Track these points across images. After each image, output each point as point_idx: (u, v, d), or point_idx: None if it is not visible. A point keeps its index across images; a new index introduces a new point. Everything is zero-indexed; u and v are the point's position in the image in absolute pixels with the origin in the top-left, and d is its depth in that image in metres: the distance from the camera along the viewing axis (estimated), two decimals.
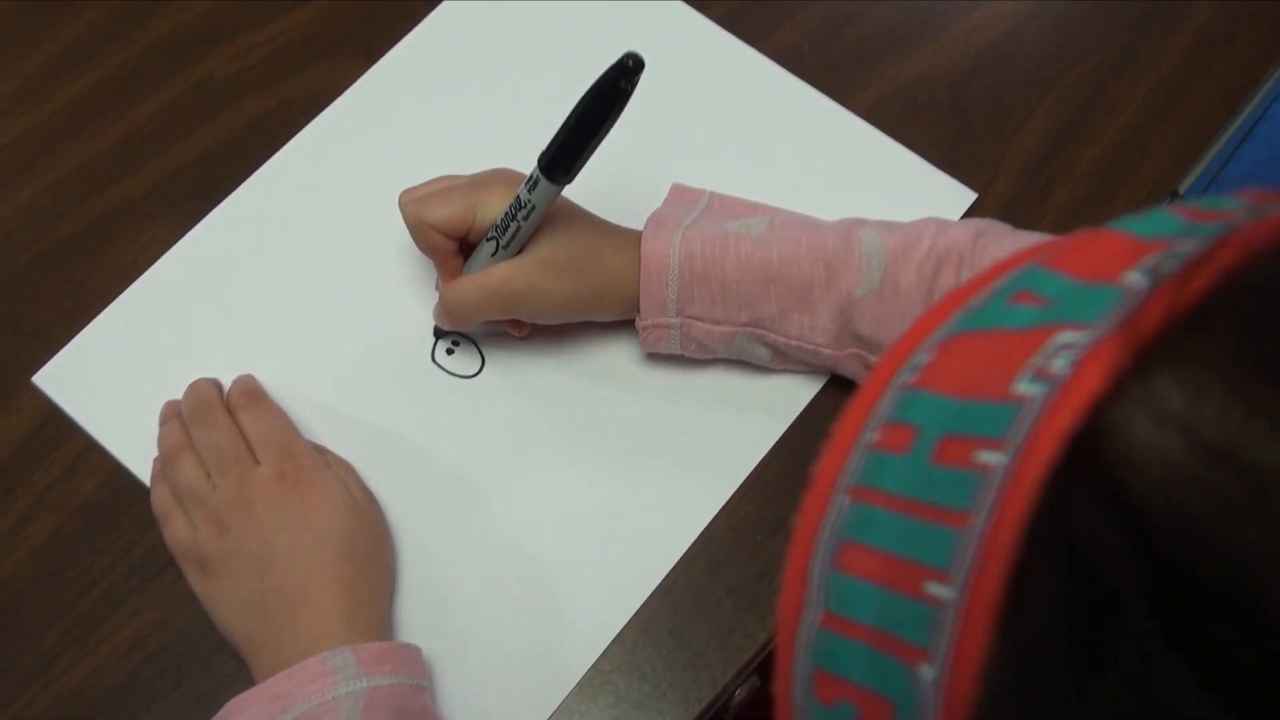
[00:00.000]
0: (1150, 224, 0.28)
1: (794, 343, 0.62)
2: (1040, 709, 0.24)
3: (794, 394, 0.67)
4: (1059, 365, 0.25)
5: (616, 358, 0.68)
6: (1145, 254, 0.27)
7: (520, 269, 0.61)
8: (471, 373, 0.67)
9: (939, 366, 0.29)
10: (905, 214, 0.64)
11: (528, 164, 0.64)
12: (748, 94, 0.76)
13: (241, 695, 0.55)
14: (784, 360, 0.65)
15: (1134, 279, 0.26)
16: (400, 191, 0.63)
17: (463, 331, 0.68)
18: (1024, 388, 0.26)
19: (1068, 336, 0.26)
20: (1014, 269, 0.30)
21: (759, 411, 0.66)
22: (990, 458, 0.25)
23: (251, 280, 0.70)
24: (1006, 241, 0.60)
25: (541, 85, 0.76)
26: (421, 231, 0.62)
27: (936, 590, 0.26)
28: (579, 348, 0.68)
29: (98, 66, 0.77)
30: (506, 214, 0.60)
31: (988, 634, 0.24)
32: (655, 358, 0.67)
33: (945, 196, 0.72)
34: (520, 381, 0.67)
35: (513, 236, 0.60)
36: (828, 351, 0.62)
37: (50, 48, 0.77)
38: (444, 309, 0.64)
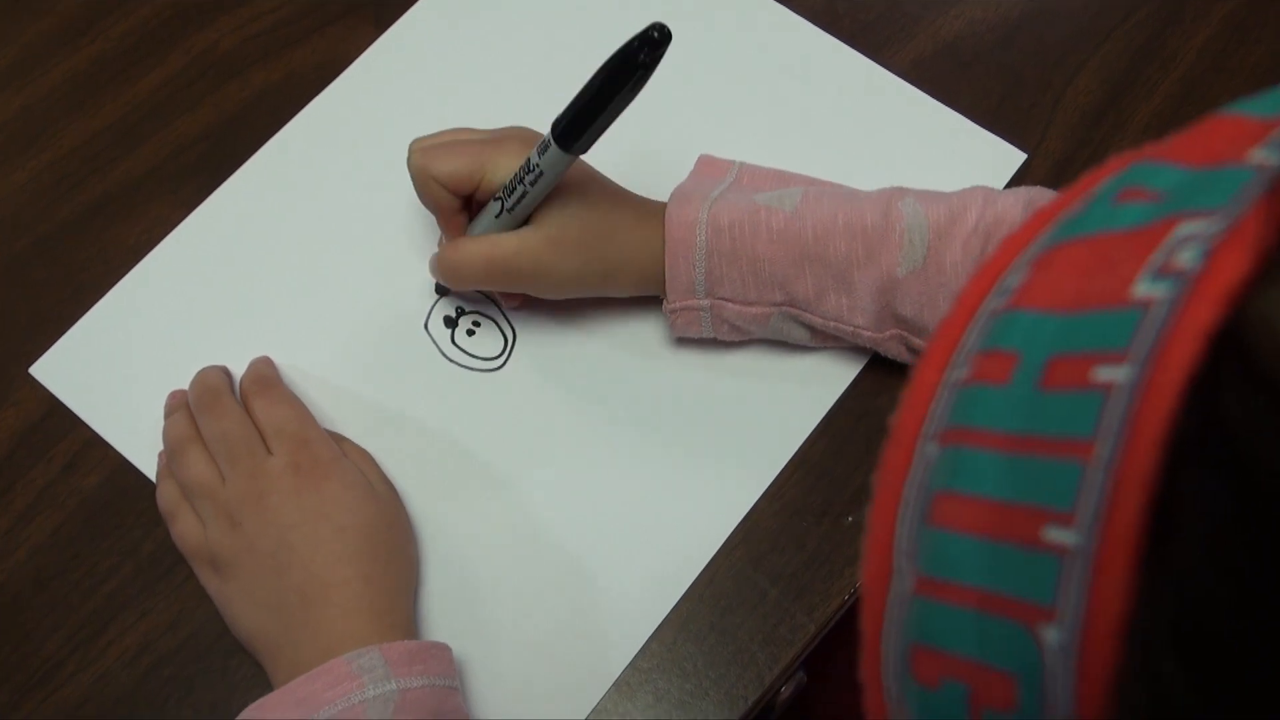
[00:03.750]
0: (1269, 103, 0.25)
1: (832, 323, 0.59)
2: (1211, 662, 0.20)
3: (838, 370, 0.63)
4: (1186, 258, 0.21)
5: (647, 336, 0.64)
6: (1271, 130, 0.23)
7: (527, 244, 0.57)
8: (495, 354, 0.64)
9: (1036, 283, 0.25)
10: (951, 177, 0.60)
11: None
12: (780, 54, 0.72)
13: (259, 701, 0.52)
14: (823, 339, 0.61)
15: (1263, 155, 0.22)
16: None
17: (484, 311, 0.65)
18: (1146, 289, 0.22)
19: (1190, 228, 0.22)
20: (1113, 173, 0.26)
21: (801, 390, 0.63)
22: (1113, 373, 0.21)
23: (259, 262, 0.67)
24: None
25: (561, 51, 0.72)
26: (426, 184, 0.58)
27: (1058, 536, 0.21)
28: (608, 325, 0.64)
29: (95, 40, 0.73)
30: (515, 175, 0.56)
31: (1128, 580, 0.20)
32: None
33: (993, 158, 0.68)
34: (546, 364, 0.64)
35: (518, 201, 0.56)
36: (868, 333, 0.58)
37: (45, 21, 0.74)
38: (440, 268, 0.60)
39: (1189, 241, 0.21)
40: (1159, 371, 0.20)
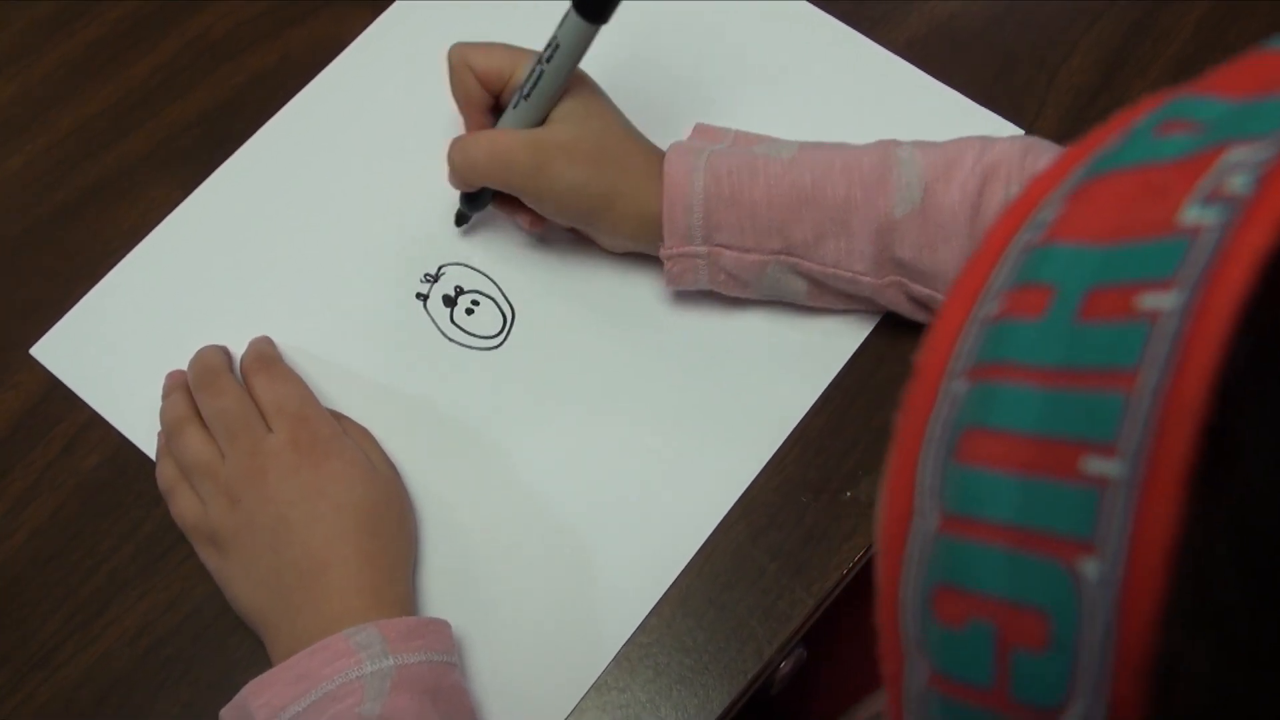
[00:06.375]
0: None
1: (830, 270, 0.58)
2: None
3: (838, 343, 0.63)
4: (1237, 184, 0.21)
5: (647, 314, 0.64)
6: None
7: (537, 142, 0.58)
8: (494, 332, 0.64)
9: (1073, 216, 0.24)
10: None
11: None
12: (778, 33, 0.72)
13: (259, 678, 0.52)
14: (821, 293, 0.61)
15: None
16: (411, 149, 0.62)
17: (483, 290, 0.65)
18: (1195, 216, 0.21)
19: (1241, 154, 0.21)
20: (1149, 110, 0.26)
21: (800, 363, 0.63)
22: (1160, 300, 0.21)
23: (257, 243, 0.67)
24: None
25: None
26: (462, 74, 0.60)
27: (1099, 467, 0.21)
28: (607, 302, 0.64)
29: (90, 24, 0.73)
30: (535, 57, 0.57)
31: (1178, 510, 0.20)
32: (687, 305, 0.63)
33: (989, 135, 0.68)
34: (545, 342, 0.64)
35: (535, 83, 0.57)
36: (867, 279, 0.58)
37: (39, 7, 0.74)
38: (450, 158, 0.60)
39: (1239, 168, 0.21)
40: (1211, 295, 0.20)
